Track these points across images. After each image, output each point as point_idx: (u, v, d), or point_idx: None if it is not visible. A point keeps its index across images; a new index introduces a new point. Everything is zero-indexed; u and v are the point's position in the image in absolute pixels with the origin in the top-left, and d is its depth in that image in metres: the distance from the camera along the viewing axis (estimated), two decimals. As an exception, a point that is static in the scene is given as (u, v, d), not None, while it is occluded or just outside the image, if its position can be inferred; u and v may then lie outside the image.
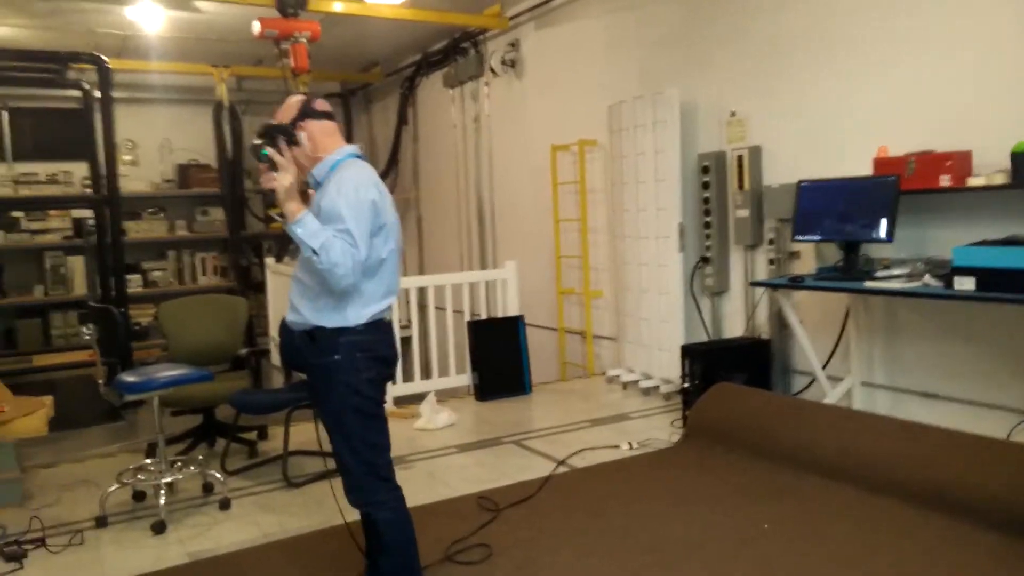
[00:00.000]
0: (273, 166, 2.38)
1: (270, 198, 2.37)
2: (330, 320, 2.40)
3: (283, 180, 2.33)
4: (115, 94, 7.96)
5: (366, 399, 2.43)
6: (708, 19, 5.15)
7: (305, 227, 2.29)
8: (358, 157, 2.53)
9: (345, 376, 2.40)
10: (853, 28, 4.26)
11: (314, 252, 2.27)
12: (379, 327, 2.47)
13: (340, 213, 2.31)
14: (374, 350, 2.44)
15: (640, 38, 5.73)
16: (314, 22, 5.90)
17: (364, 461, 2.45)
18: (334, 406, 2.44)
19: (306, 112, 2.48)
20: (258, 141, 2.40)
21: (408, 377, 5.73)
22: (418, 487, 3.83)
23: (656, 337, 5.38)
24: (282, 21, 5.81)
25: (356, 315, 2.40)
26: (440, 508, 3.53)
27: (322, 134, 2.49)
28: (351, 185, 2.36)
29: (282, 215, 2.32)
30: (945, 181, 3.57)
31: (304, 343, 2.45)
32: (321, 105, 2.53)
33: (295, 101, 2.51)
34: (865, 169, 4.06)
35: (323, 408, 2.49)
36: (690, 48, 5.30)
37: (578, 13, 6.35)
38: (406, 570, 2.50)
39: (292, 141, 2.40)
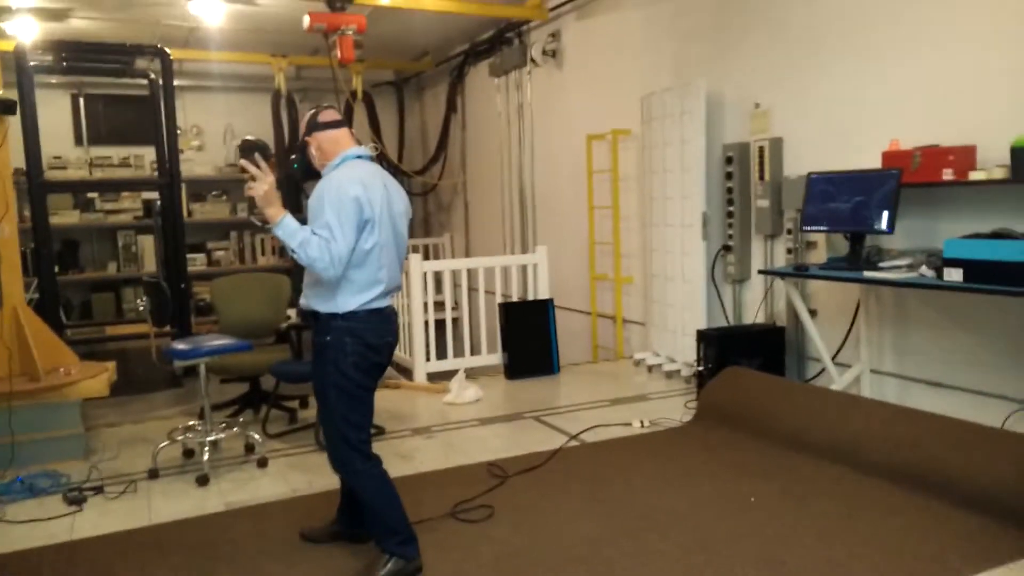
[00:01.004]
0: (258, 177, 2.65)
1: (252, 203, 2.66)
2: (324, 306, 2.72)
3: (258, 189, 2.61)
4: (183, 82, 8.52)
5: (349, 380, 2.70)
6: (737, 10, 5.26)
7: (284, 228, 2.59)
8: (359, 158, 2.81)
9: (333, 356, 2.69)
10: (873, 22, 4.34)
11: (293, 250, 2.58)
12: (373, 316, 2.73)
13: (322, 209, 2.61)
14: (363, 337, 2.71)
15: (674, 30, 5.86)
16: (360, 16, 6.19)
17: (341, 434, 2.75)
18: (321, 382, 2.75)
19: (312, 126, 2.81)
20: (247, 153, 2.74)
21: (442, 355, 6.03)
22: (436, 454, 4.16)
23: (680, 322, 5.56)
24: (330, 15, 6.13)
25: (345, 303, 2.68)
26: (453, 473, 3.83)
27: (329, 143, 2.81)
28: (335, 184, 2.65)
29: (264, 220, 2.62)
30: (948, 175, 3.66)
31: (310, 323, 2.78)
32: (327, 116, 2.83)
33: (306, 117, 2.86)
34: (878, 162, 4.15)
35: (314, 381, 2.81)
36: (719, 40, 5.42)
37: (616, 5, 6.50)
38: (388, 528, 2.77)
39: (266, 156, 2.70)
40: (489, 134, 8.69)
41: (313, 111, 2.85)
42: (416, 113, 10.63)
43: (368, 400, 2.80)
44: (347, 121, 2.92)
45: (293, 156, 2.88)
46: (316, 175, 2.82)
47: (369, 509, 2.78)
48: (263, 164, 2.65)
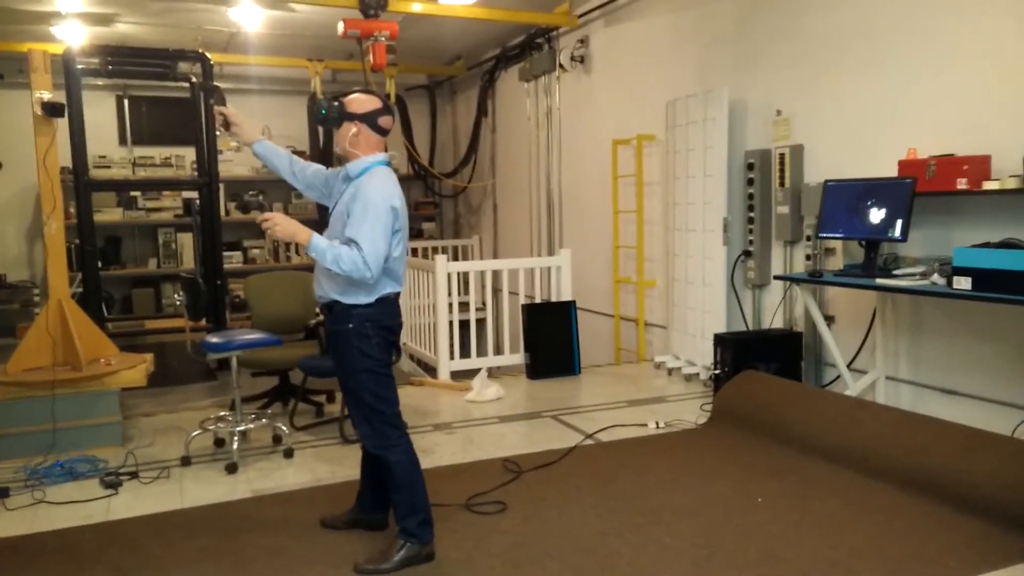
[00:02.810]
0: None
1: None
2: (344, 296, 2.90)
3: (277, 232, 2.84)
4: (223, 85, 8.72)
5: (375, 360, 2.90)
6: (760, 19, 5.32)
7: (315, 250, 2.80)
8: (387, 165, 2.99)
9: (357, 342, 2.88)
10: (893, 33, 4.38)
11: (328, 267, 2.79)
12: (385, 302, 2.94)
13: (364, 218, 2.79)
14: (380, 320, 2.92)
15: (699, 37, 5.94)
16: (392, 22, 6.37)
17: (376, 411, 2.92)
18: (348, 367, 2.93)
19: (369, 119, 2.93)
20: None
21: (466, 354, 6.17)
22: (455, 449, 4.30)
23: (699, 326, 5.63)
24: (363, 22, 6.31)
25: (366, 297, 2.89)
26: (469, 467, 3.97)
27: (366, 141, 2.96)
28: (380, 195, 2.83)
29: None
30: (962, 184, 3.70)
31: (325, 314, 2.96)
32: (386, 122, 2.98)
33: (371, 105, 2.94)
34: (895, 170, 4.19)
35: (339, 368, 2.98)
36: (743, 47, 5.49)
37: (643, 11, 6.59)
38: (412, 506, 2.93)
39: (261, 206, 2.91)
40: (518, 138, 8.81)
41: (381, 107, 2.96)
42: (448, 116, 10.80)
43: (392, 376, 2.99)
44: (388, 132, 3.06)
45: (324, 100, 2.96)
46: (330, 124, 2.97)
47: (398, 485, 2.93)
48: (264, 208, 2.86)
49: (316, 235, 2.82)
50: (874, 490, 3.44)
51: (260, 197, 2.71)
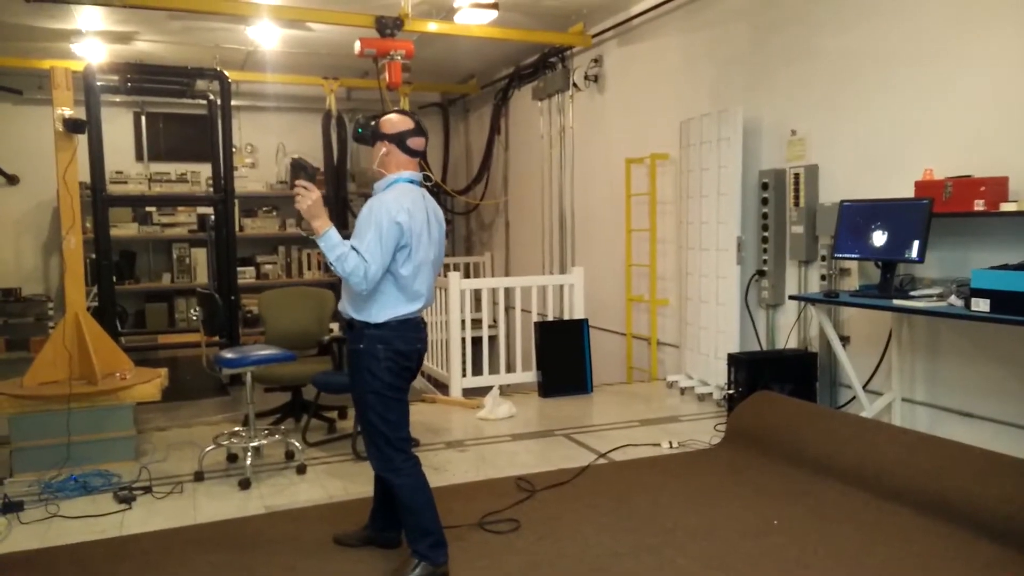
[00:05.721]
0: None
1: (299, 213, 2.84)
2: (359, 315, 2.90)
3: (303, 202, 2.76)
4: (239, 102, 8.89)
5: (383, 383, 2.89)
6: (774, 40, 5.34)
7: (327, 240, 2.76)
8: (412, 182, 2.97)
9: (367, 362, 2.88)
10: (908, 53, 4.39)
11: (331, 262, 2.75)
12: (403, 325, 2.91)
13: (368, 228, 2.79)
14: (393, 344, 2.89)
15: (712, 57, 5.96)
16: (408, 42, 6.43)
17: (381, 434, 2.91)
18: (358, 386, 2.94)
19: (398, 139, 2.95)
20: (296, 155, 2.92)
21: (478, 371, 6.16)
22: (467, 467, 4.28)
23: (713, 345, 5.61)
24: (380, 41, 6.38)
25: (378, 314, 2.87)
26: (482, 486, 3.95)
27: (395, 161, 2.96)
28: (385, 208, 2.81)
29: (311, 232, 2.78)
30: (979, 205, 3.69)
31: (346, 331, 2.96)
32: (415, 143, 2.98)
33: (402, 126, 2.96)
34: (911, 191, 4.18)
35: (351, 387, 2.99)
36: (757, 67, 5.50)
37: (657, 32, 6.62)
38: (422, 529, 2.91)
39: (311, 177, 2.85)
40: (531, 156, 8.85)
41: (412, 127, 2.96)
42: (461, 134, 10.86)
43: (403, 400, 2.97)
44: (423, 153, 3.06)
45: (362, 120, 3.00)
46: (365, 143, 3.00)
47: (405, 508, 2.92)
48: (309, 184, 2.81)
49: (334, 228, 2.78)
50: (890, 513, 3.40)
51: (313, 170, 2.70)
